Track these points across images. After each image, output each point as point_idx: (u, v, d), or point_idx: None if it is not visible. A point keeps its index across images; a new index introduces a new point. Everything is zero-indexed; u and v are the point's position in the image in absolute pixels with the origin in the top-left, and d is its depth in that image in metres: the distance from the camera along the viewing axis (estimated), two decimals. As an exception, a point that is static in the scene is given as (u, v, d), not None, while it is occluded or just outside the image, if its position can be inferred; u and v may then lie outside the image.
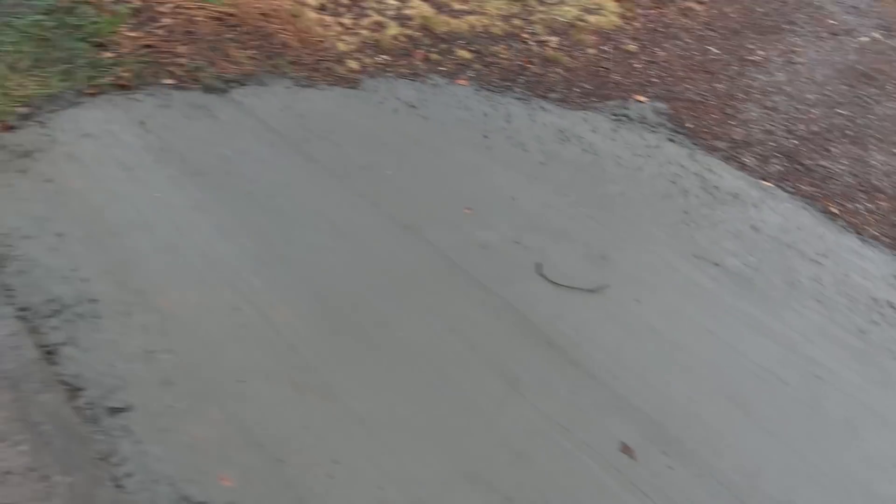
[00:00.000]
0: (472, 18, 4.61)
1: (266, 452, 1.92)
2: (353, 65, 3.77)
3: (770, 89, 4.62)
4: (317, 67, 3.64)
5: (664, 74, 4.53)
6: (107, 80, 3.14)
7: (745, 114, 4.27)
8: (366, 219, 2.72)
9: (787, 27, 5.56)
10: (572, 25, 4.80)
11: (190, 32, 3.54)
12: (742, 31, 5.35)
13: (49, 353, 2.06)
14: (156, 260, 2.37)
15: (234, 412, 2.00)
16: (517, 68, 4.16)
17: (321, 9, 4.18)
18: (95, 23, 3.38)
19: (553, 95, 3.98)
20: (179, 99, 3.13)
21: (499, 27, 4.58)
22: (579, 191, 3.17)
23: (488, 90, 3.88)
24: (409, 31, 4.28)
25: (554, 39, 4.59)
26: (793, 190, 3.62)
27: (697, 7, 5.50)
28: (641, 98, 4.22)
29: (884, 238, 3.39)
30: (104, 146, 2.78)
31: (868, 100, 4.65)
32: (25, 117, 2.86)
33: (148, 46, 3.38)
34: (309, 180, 2.86)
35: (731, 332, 2.59)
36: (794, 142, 4.07)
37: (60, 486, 1.79)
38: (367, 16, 4.24)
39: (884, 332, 2.76)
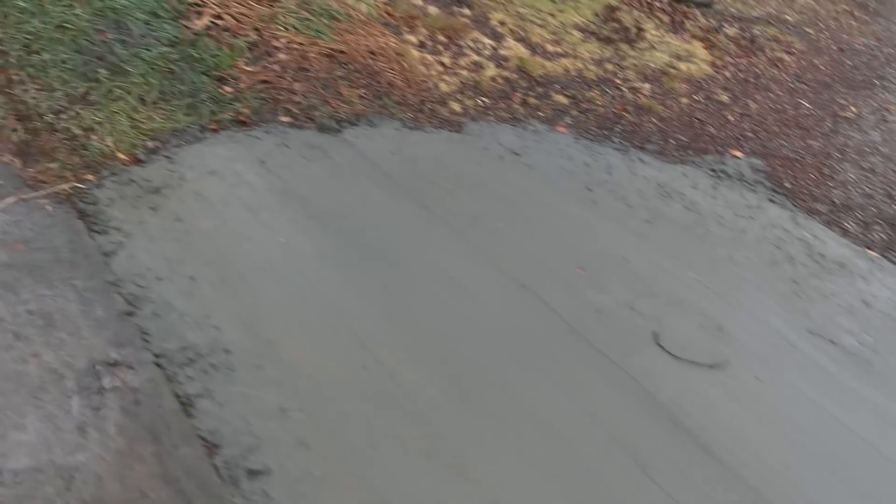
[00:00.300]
0: (565, 62, 4.59)
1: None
2: (456, 107, 3.76)
3: (866, 149, 4.53)
4: (421, 108, 3.64)
5: (758, 128, 4.46)
6: (227, 115, 3.16)
7: (843, 174, 4.19)
8: (483, 274, 2.70)
9: (878, 82, 5.46)
10: (664, 73, 4.75)
11: (303, 69, 3.57)
12: (833, 84, 5.26)
13: (186, 405, 2.06)
14: (284, 309, 2.36)
15: (370, 481, 1.98)
16: (613, 116, 4.13)
17: (421, 46, 4.19)
18: (216, 56, 3.41)
19: (650, 147, 3.94)
20: (296, 138, 3.14)
21: (592, 72, 4.55)
22: (687, 253, 3.12)
23: (587, 138, 3.85)
24: (506, 73, 4.27)
25: (646, 87, 4.55)
26: (899, 262, 3.54)
27: (787, 58, 5.43)
28: (738, 153, 4.16)
29: None
30: (229, 185, 2.79)
31: (970, 167, 4.54)
32: (153, 151, 2.89)
33: (264, 82, 3.40)
34: (425, 229, 2.85)
35: (857, 419, 2.53)
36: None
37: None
38: (464, 55, 4.24)
39: None
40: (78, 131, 2.92)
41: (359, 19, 4.22)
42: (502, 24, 4.70)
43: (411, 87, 3.76)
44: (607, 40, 4.97)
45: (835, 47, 5.93)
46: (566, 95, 4.20)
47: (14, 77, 3.06)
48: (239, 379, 2.15)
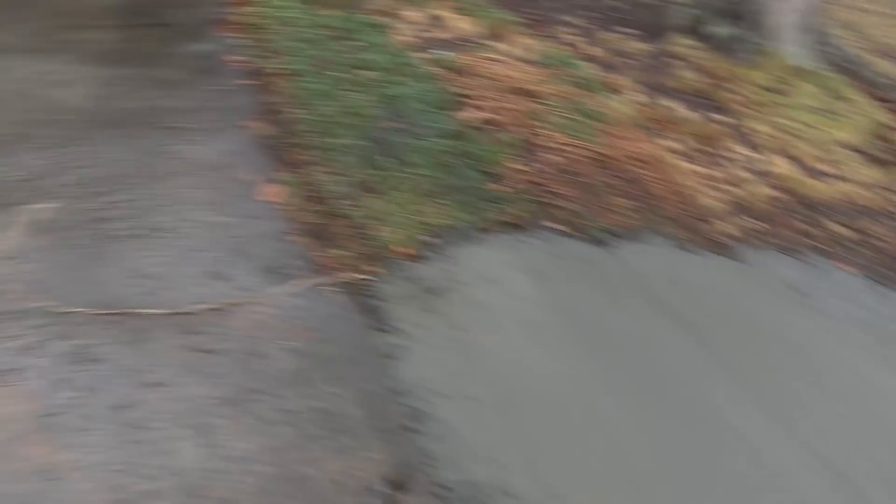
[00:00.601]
0: (839, 185, 4.17)
1: None
2: (727, 228, 3.48)
3: None
4: (691, 226, 3.40)
5: None
6: (497, 215, 3.09)
7: None
8: (786, 450, 2.36)
9: None
10: (956, 208, 4.18)
11: (569, 171, 3.46)
12: None
13: (469, 552, 1.90)
14: (571, 454, 2.19)
15: None
16: (903, 256, 3.65)
17: (681, 154, 3.96)
18: (484, 151, 3.39)
19: (952, 299, 3.41)
20: (567, 247, 3.01)
21: (871, 199, 4.09)
22: None
23: (876, 280, 3.41)
24: (773, 192, 3.93)
25: (938, 224, 4.01)
26: None
27: None
28: None
29: None
30: (506, 296, 2.69)
31: None
32: (431, 248, 2.86)
33: (531, 182, 3.32)
34: (705, 370, 2.59)
35: None
36: None
37: None
38: (726, 167, 3.96)
39: None
40: (362, 219, 2.95)
41: (618, 121, 4.08)
42: (761, 134, 4.38)
43: (677, 200, 3.54)
44: (883, 163, 4.48)
45: None
46: (846, 226, 3.78)
47: (310, 158, 3.18)
48: (524, 530, 1.96)
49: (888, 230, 3.83)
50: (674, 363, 2.60)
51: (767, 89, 4.74)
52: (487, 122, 3.74)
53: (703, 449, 2.31)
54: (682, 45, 4.97)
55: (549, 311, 2.69)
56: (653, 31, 5.15)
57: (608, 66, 4.62)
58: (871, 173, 4.35)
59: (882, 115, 4.84)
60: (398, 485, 2.06)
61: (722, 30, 5.02)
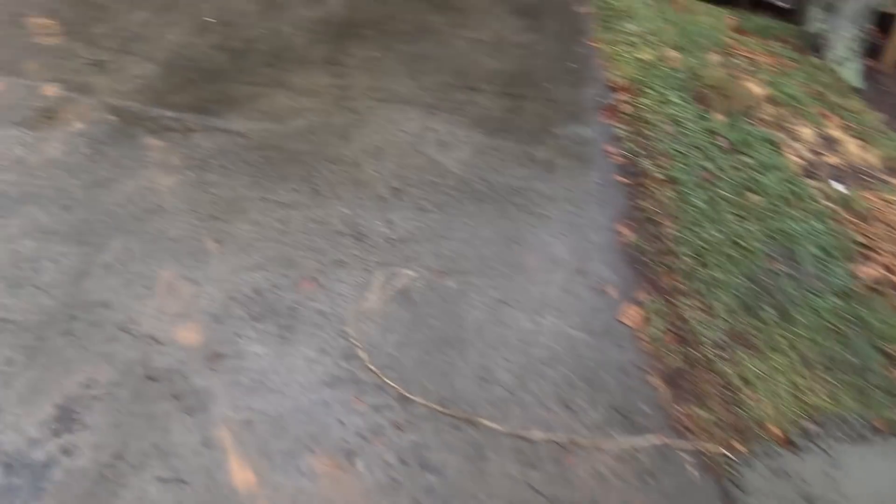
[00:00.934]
0: None
1: None
2: None
3: None
4: None
5: None
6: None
7: None
8: None
9: None
10: None
11: None
12: None
13: None
14: None
15: None
16: None
17: None
18: (886, 323, 2.73)
19: None
20: None
21: None
22: None
23: None
24: None
25: None
26: None
27: None
28: None
29: None
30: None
31: None
32: (809, 436, 2.33)
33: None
34: None
35: None
36: None
37: None
38: None
39: None
40: (733, 379, 2.49)
41: None
42: None
43: None
44: None
45: None
46: None
47: (680, 286, 2.80)
48: None
49: None
50: None
51: None
52: (891, 284, 3.07)
53: None
54: None
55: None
56: None
57: None
58: None
59: None
60: None
61: None
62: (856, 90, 4.98)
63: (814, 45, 5.65)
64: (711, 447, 2.31)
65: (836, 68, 5.20)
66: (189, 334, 2.36)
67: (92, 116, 3.29)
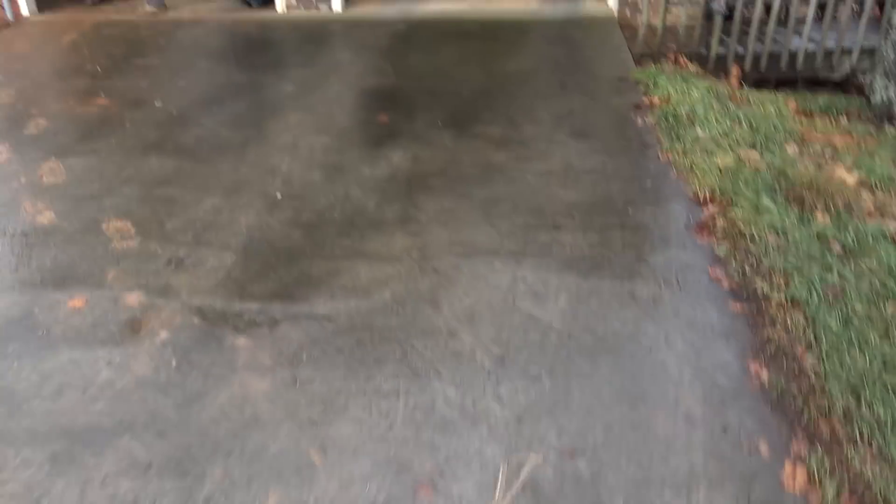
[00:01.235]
0: None
1: None
2: None
3: None
4: None
5: None
6: None
7: None
8: None
9: None
10: None
11: None
12: None
13: None
14: None
15: None
16: None
17: None
18: None
19: None
20: None
21: None
22: None
23: None
24: None
25: None
26: None
27: None
28: None
29: None
30: None
31: None
32: None
33: None
34: None
35: None
36: None
37: None
38: None
39: None
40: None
41: None
42: None
43: None
44: None
45: None
46: None
47: (843, 433, 2.42)
48: None
49: None
50: None
51: None
52: None
53: None
54: None
55: None
56: None
57: None
58: None
59: None
60: None
61: None
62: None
63: (884, 115, 5.37)
64: None
65: (920, 137, 4.89)
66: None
67: (176, 322, 3.19)
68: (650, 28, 6.61)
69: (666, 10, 6.46)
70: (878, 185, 4.25)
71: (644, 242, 3.66)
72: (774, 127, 5.00)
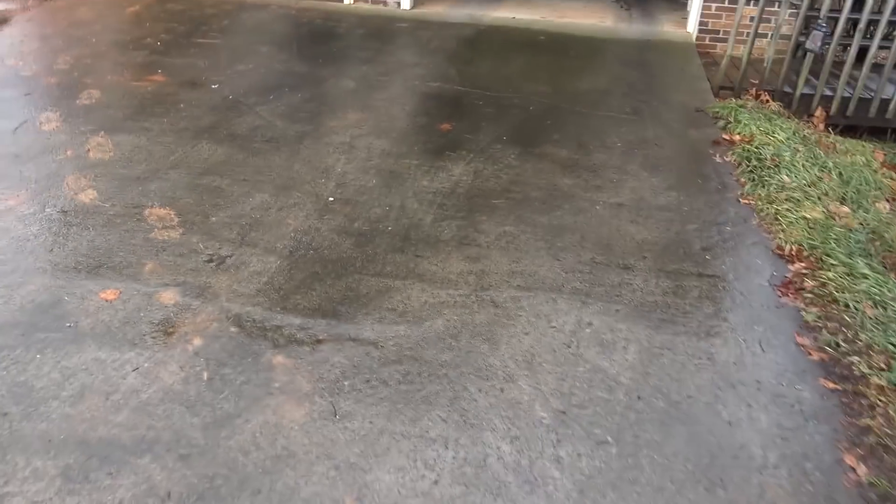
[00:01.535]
0: None
1: None
2: None
3: None
4: None
5: None
6: None
7: None
8: None
9: None
10: None
11: None
12: None
13: None
14: None
15: None
16: None
17: None
18: None
19: None
20: None
21: None
22: None
23: None
24: None
25: None
26: None
27: None
28: None
29: None
30: None
31: None
32: None
33: None
34: None
35: None
36: None
37: None
38: None
39: None
40: None
41: None
42: None
43: None
44: None
45: None
46: None
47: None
48: None
49: None
50: None
51: None
52: None
53: None
54: None
55: None
56: None
57: None
58: None
59: None
60: None
61: None
62: None
63: None
64: None
65: None
66: None
67: (212, 329, 2.94)
68: (732, 59, 6.24)
69: (752, 42, 6.09)
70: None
71: (723, 296, 3.33)
72: (865, 181, 4.62)
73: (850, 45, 5.93)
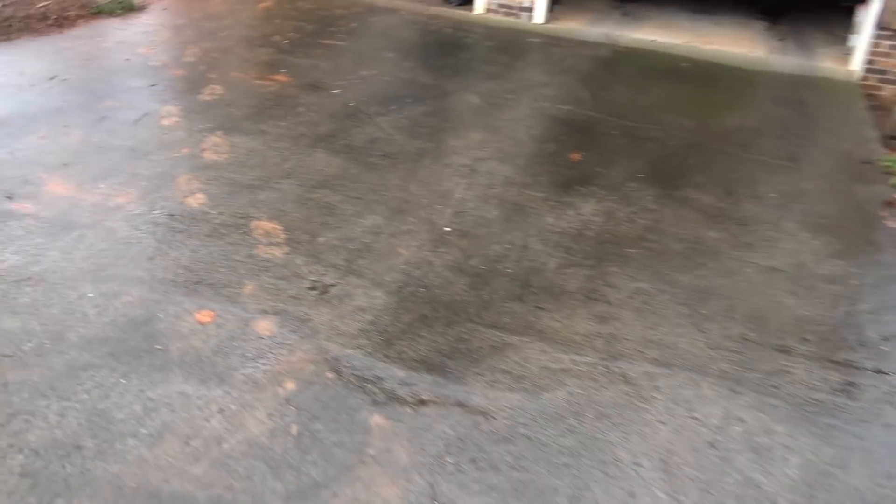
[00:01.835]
0: None
1: None
2: None
3: None
4: None
5: None
6: None
7: None
8: None
9: None
10: None
11: None
12: None
13: None
14: None
15: None
16: None
17: None
18: None
19: None
20: None
21: None
22: None
23: None
24: None
25: None
26: None
27: None
28: None
29: None
30: None
31: None
32: None
33: None
34: None
35: None
36: None
37: None
38: None
39: None
40: None
41: None
42: None
43: None
44: None
45: None
46: None
47: None
48: None
49: None
50: None
51: None
52: None
53: None
54: None
55: None
56: None
57: None
58: None
59: None
60: None
61: None
62: None
63: None
64: None
65: None
66: None
67: (307, 371, 2.64)
68: (907, 106, 5.48)
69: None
70: None
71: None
72: None
73: None
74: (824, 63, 6.91)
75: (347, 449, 2.36)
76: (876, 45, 6.47)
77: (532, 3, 7.38)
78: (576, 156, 4.68)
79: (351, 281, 3.22)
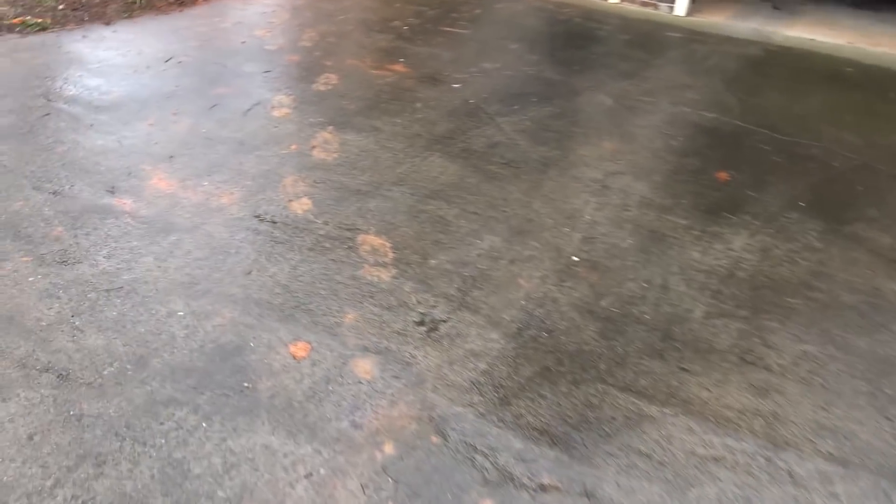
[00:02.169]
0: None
1: None
2: None
3: None
4: None
5: None
6: None
7: None
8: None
9: None
10: None
11: None
12: None
13: None
14: None
15: None
16: None
17: None
18: None
19: None
20: None
21: None
22: None
23: None
24: None
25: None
26: None
27: None
28: None
29: None
30: None
31: None
32: None
33: None
34: None
35: None
36: None
37: None
38: None
39: None
40: None
41: None
42: None
43: None
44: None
45: None
46: None
47: None
48: None
49: None
50: None
51: None
52: None
53: None
54: None
55: None
56: None
57: None
58: None
59: None
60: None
61: None
62: None
63: None
64: None
65: None
66: None
67: (409, 431, 2.26)
68: None
69: None
70: None
71: None
72: None
73: None
74: None
75: (452, 543, 1.96)
76: None
77: (674, -8, 6.71)
78: (723, 175, 4.08)
79: (464, 317, 2.82)
